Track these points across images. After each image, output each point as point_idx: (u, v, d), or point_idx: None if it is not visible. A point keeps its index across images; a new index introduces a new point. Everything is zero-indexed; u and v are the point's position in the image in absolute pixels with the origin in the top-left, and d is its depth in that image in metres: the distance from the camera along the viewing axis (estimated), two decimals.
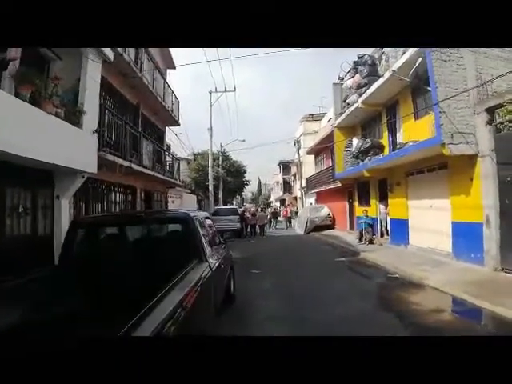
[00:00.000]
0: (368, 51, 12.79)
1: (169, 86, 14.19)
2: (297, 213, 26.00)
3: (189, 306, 2.44)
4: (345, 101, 14.00)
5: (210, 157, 23.22)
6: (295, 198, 35.60)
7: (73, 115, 6.48)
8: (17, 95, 5.06)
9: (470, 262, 7.60)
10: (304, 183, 25.81)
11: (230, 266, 5.90)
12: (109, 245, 3.98)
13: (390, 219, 12.03)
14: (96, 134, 7.26)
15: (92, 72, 7.12)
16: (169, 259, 3.32)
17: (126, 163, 8.88)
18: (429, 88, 8.43)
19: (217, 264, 4.11)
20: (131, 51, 9.67)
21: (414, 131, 9.91)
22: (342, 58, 41.38)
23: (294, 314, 5.07)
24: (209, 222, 5.00)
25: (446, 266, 7.81)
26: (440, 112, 7.74)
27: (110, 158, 8.00)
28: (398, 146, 10.08)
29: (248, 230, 19.41)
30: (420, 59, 8.48)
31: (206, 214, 5.11)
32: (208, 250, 3.97)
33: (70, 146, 6.21)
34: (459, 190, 8.15)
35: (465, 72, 8.08)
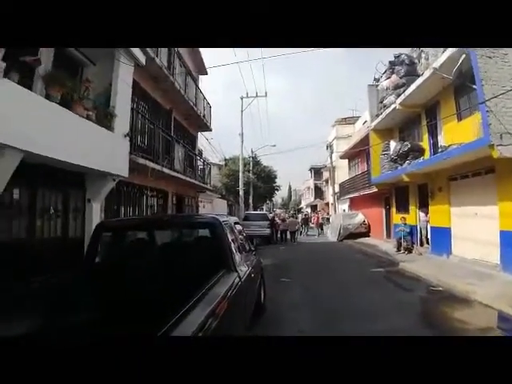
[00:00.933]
0: (405, 50, 12.21)
1: (201, 92, 14.26)
2: (328, 219, 25.35)
3: (217, 321, 2.21)
4: (381, 102, 13.42)
5: (240, 162, 23.19)
6: (327, 204, 34.86)
7: (104, 118, 6.51)
8: (47, 97, 5.11)
9: None
10: (337, 188, 25.13)
11: (261, 274, 5.63)
12: (133, 250, 3.83)
13: (431, 227, 11.28)
14: (128, 138, 7.28)
15: (124, 75, 7.16)
16: (195, 267, 3.12)
17: (158, 167, 8.90)
18: (474, 86, 7.84)
19: (247, 273, 3.86)
20: (163, 56, 9.74)
21: (457, 133, 9.25)
22: (373, 59, 40.12)
23: (328, 328, 4.70)
24: (239, 227, 4.77)
25: (493, 279, 7.12)
26: (487, 111, 7.16)
27: (142, 161, 8.02)
28: (439, 149, 9.43)
29: (278, 236, 19.05)
30: (464, 56, 7.92)
31: (235, 218, 4.88)
32: (237, 257, 3.72)
33: (102, 148, 6.24)
34: (509, 196, 7.45)
35: (510, 69, 7.45)
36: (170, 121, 11.80)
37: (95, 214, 6.96)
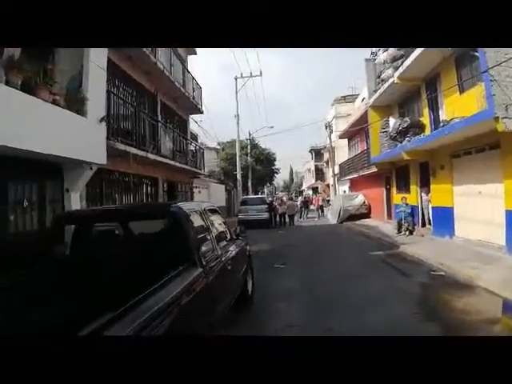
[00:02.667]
0: None
1: (189, 73, 13.60)
2: (328, 201, 24.90)
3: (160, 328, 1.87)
4: (379, 77, 12.73)
5: (237, 145, 22.65)
6: (328, 186, 34.35)
7: (75, 103, 6.02)
8: (7, 83, 4.64)
9: None
10: (337, 169, 24.57)
11: (247, 263, 5.23)
12: (90, 242, 3.43)
13: (433, 207, 10.77)
14: (104, 123, 6.79)
15: (96, 56, 6.60)
16: (154, 262, 2.71)
17: (142, 153, 8.43)
18: (476, 54, 7.24)
19: (220, 266, 3.44)
20: None
21: (459, 106, 8.66)
22: None
23: (320, 322, 4.29)
24: (215, 214, 4.33)
25: (499, 262, 6.67)
26: (491, 80, 6.57)
27: (122, 147, 7.55)
28: (441, 124, 8.87)
29: (277, 219, 18.66)
30: None
31: (211, 205, 4.42)
32: (207, 249, 3.31)
33: (73, 135, 5.78)
34: None
35: None
36: (156, 104, 11.23)
37: (74, 203, 6.62)
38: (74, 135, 5.80)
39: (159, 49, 10.11)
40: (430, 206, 11.03)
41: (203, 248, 3.17)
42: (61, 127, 5.48)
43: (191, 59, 15.81)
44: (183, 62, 13.37)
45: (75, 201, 6.66)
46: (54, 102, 5.44)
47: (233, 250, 4.44)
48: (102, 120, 6.68)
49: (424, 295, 5.40)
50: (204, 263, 2.98)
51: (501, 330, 4.03)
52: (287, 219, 18.41)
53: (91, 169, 6.60)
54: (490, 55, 6.63)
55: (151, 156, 8.97)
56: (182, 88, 12.06)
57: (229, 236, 4.73)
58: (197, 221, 3.33)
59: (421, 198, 11.84)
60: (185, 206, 3.23)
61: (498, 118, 6.33)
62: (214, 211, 4.35)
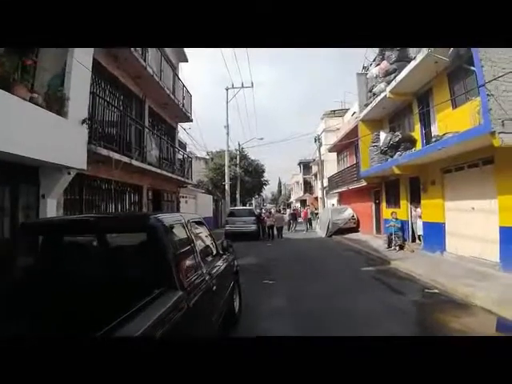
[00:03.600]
0: None
1: (179, 79, 13.34)
2: (317, 214, 24.70)
3: None
4: (371, 91, 12.69)
5: (226, 155, 22.35)
6: (316, 199, 34.28)
7: (55, 102, 5.64)
8: None
9: None
10: (325, 183, 24.47)
11: (235, 280, 4.87)
12: (47, 258, 3.01)
13: (423, 223, 10.62)
14: (86, 125, 6.41)
15: (81, 54, 6.26)
16: (118, 287, 2.31)
17: (125, 159, 8.03)
18: (472, 68, 7.17)
19: (203, 287, 3.06)
20: None
21: (452, 121, 8.59)
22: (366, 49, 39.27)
23: None
24: (199, 227, 3.97)
25: (493, 279, 6.50)
26: (488, 95, 6.47)
27: (104, 152, 7.15)
28: (433, 139, 8.75)
29: (266, 231, 18.29)
30: None
31: (195, 216, 4.06)
32: (190, 268, 2.94)
33: (51, 137, 5.39)
34: (510, 188, 6.82)
35: (511, 50, 6.76)
36: (144, 109, 10.89)
37: (50, 211, 6.16)
38: (53, 137, 5.42)
39: (149, 53, 9.83)
40: (420, 221, 10.89)
41: (185, 266, 2.80)
42: (38, 127, 5.09)
43: (183, 67, 15.56)
44: (174, 69, 13.11)
45: (51, 208, 6.21)
46: (32, 100, 5.07)
47: (219, 266, 4.07)
48: (83, 122, 6.31)
49: (418, 314, 5.14)
50: (185, 285, 2.59)
51: None
52: (275, 231, 18.07)
53: (69, 174, 6.17)
54: (487, 69, 6.56)
55: (135, 163, 8.58)
56: (171, 94, 11.76)
57: (215, 251, 4.36)
58: (179, 235, 2.96)
59: (411, 212, 11.72)
60: (165, 217, 2.83)
61: (494, 132, 6.22)
62: (199, 223, 3.98)
